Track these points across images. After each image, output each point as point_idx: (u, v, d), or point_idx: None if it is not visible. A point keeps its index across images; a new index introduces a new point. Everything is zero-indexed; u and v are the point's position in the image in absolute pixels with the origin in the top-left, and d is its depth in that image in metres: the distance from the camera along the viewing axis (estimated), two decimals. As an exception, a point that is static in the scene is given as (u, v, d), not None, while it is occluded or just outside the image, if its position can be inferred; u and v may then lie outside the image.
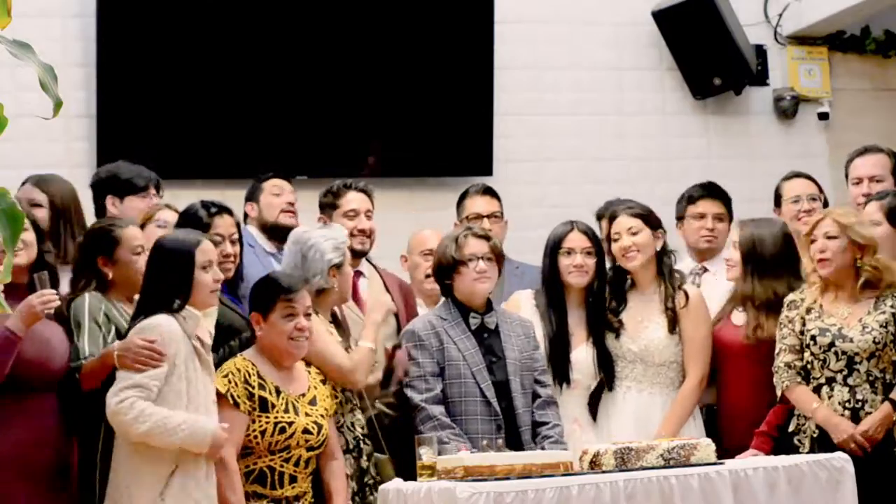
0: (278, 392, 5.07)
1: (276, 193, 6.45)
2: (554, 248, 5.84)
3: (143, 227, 5.62)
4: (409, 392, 5.49)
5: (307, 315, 5.13)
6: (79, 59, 7.45)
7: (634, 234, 5.81)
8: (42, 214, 5.72)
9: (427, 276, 6.09)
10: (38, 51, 2.89)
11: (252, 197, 6.67)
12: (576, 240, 5.82)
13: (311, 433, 5.07)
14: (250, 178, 7.58)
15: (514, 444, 5.41)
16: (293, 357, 5.14)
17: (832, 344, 5.40)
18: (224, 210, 5.50)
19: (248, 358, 5.11)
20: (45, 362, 4.87)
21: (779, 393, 5.51)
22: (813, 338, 5.43)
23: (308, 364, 5.25)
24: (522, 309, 5.86)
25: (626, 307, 5.84)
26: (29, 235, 4.95)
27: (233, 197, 7.23)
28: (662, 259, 5.87)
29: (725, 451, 5.44)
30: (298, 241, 5.47)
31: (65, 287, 5.17)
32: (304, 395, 5.13)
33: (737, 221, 6.07)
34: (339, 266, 5.42)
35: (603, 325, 5.83)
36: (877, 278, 5.45)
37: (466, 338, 5.55)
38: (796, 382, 5.46)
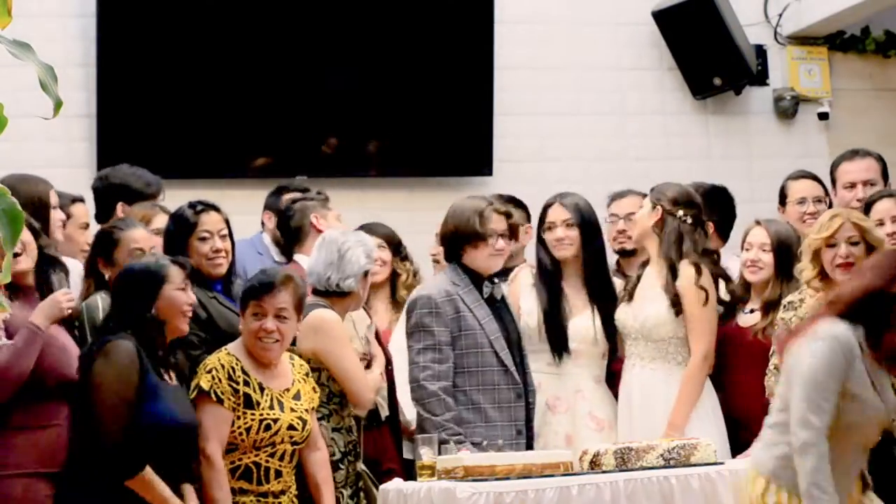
0: (262, 388, 5.06)
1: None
2: (541, 226, 5.98)
3: None
4: (420, 363, 5.42)
5: (280, 317, 5.08)
6: (79, 59, 7.45)
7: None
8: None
9: None
10: (38, 51, 2.89)
11: (271, 206, 6.62)
12: (557, 213, 5.93)
13: (296, 429, 5.07)
14: (250, 177, 7.61)
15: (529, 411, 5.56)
16: (263, 359, 5.10)
17: None
18: (210, 207, 5.54)
19: (232, 353, 5.08)
20: (62, 369, 4.85)
21: (767, 394, 5.48)
22: None
23: (292, 356, 5.25)
24: (522, 283, 5.95)
25: (640, 280, 5.87)
26: (26, 235, 4.95)
27: (232, 197, 7.25)
28: (669, 239, 5.83)
29: (734, 451, 5.48)
30: (335, 241, 5.47)
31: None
32: (288, 389, 5.12)
33: (758, 221, 5.97)
34: (366, 274, 5.46)
35: (606, 297, 5.90)
36: None
37: (481, 305, 5.55)
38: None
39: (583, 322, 5.85)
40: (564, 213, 5.91)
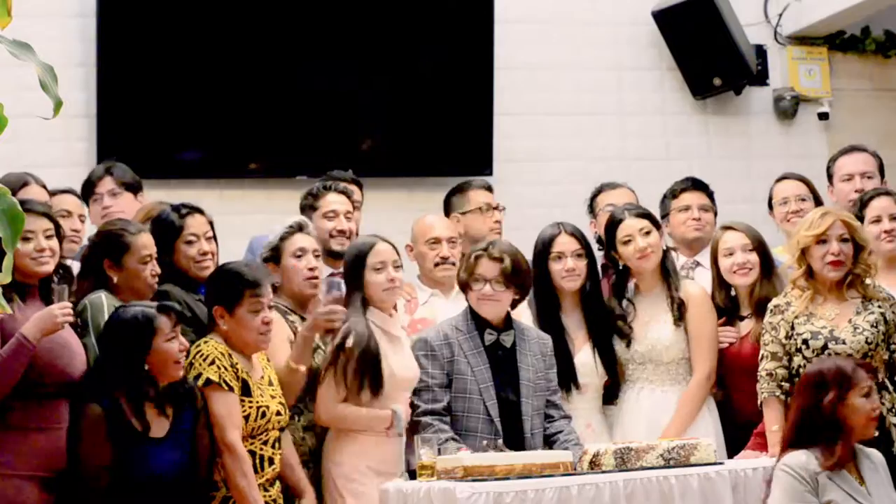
0: (250, 378, 5.11)
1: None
2: (543, 253, 5.83)
3: None
4: (416, 401, 5.42)
5: (271, 307, 5.15)
6: (79, 59, 7.44)
7: (647, 234, 5.81)
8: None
9: (436, 265, 6.07)
10: (38, 51, 2.89)
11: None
12: (565, 243, 5.81)
13: (281, 414, 5.15)
14: (249, 178, 7.60)
15: None
16: (259, 350, 5.17)
17: (825, 346, 5.36)
18: (195, 210, 5.54)
19: (219, 343, 5.11)
20: (64, 368, 4.83)
21: (759, 401, 5.47)
22: (805, 342, 5.37)
23: None
24: (522, 316, 5.82)
25: (636, 314, 5.84)
26: (54, 243, 4.94)
27: (231, 197, 7.27)
28: (666, 257, 5.88)
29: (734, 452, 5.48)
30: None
31: None
32: (262, 377, 5.18)
33: (727, 226, 5.96)
34: (270, 260, 5.48)
35: (608, 329, 5.82)
36: (866, 276, 5.46)
37: (478, 353, 5.48)
38: (774, 396, 5.41)
39: (586, 356, 5.80)
40: (574, 244, 5.81)
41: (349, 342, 5.29)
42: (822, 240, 5.42)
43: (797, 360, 5.39)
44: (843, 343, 5.35)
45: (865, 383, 4.93)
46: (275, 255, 5.51)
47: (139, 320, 4.84)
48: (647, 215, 5.89)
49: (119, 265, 5.18)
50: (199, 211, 5.54)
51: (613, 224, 5.89)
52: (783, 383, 5.40)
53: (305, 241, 5.53)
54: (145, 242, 5.20)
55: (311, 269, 5.50)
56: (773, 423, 5.35)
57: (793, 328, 5.40)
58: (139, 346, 4.81)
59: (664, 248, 5.90)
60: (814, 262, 5.43)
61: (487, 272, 5.49)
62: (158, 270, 5.23)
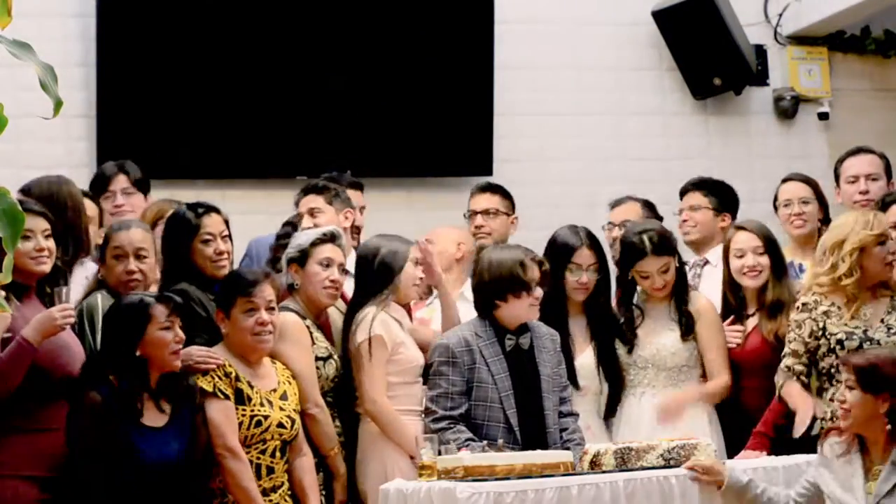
0: (251, 386, 5.10)
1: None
2: (561, 261, 5.80)
3: (154, 226, 5.66)
4: (433, 407, 5.40)
5: (269, 309, 5.13)
6: (79, 59, 7.45)
7: (665, 272, 5.78)
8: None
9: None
10: (38, 51, 2.89)
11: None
12: (584, 257, 5.79)
13: (285, 427, 5.12)
14: (250, 178, 7.61)
15: None
16: (258, 352, 5.16)
17: (860, 347, 5.35)
18: (211, 209, 5.52)
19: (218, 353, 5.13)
20: (64, 369, 4.83)
21: (777, 392, 5.49)
22: (839, 342, 5.37)
23: (273, 360, 5.27)
24: None
25: (643, 320, 5.84)
26: (51, 243, 4.92)
27: (232, 197, 7.26)
28: (679, 281, 5.86)
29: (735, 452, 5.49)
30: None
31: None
32: (274, 390, 5.16)
33: (739, 226, 5.97)
34: (295, 261, 5.48)
35: (613, 334, 5.83)
36: None
37: (499, 360, 5.45)
38: (792, 380, 5.43)
39: (588, 358, 5.80)
40: (592, 258, 5.81)
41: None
42: (881, 241, 5.42)
43: (829, 360, 5.39)
44: (878, 343, 5.34)
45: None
46: (301, 258, 5.49)
47: (135, 307, 4.86)
48: (668, 250, 5.82)
49: (103, 260, 5.29)
50: (216, 210, 5.52)
51: (635, 254, 5.81)
52: (801, 377, 5.43)
53: (334, 252, 5.50)
54: (122, 238, 5.24)
55: (332, 281, 5.48)
56: (800, 400, 5.36)
57: (824, 329, 5.40)
58: (132, 333, 4.81)
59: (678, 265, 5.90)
60: (874, 262, 5.41)
61: (536, 275, 5.48)
62: (133, 268, 5.23)
